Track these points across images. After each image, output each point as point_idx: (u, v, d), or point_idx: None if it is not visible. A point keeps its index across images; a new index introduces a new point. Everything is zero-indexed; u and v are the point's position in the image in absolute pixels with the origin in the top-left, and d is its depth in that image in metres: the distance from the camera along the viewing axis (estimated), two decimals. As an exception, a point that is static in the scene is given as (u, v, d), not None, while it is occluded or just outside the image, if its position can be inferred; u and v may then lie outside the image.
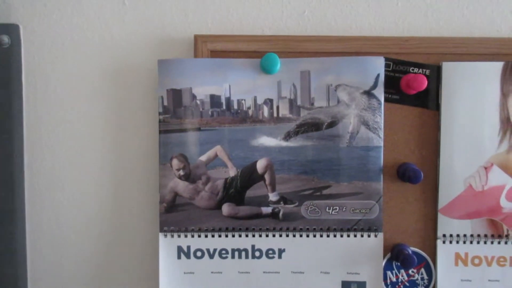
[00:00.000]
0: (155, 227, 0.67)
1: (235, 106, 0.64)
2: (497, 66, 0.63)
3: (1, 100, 0.65)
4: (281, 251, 0.66)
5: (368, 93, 0.64)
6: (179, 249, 0.65)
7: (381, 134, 0.64)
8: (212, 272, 0.66)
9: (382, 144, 0.64)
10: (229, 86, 0.64)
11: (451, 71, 0.63)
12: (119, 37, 0.66)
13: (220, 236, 0.65)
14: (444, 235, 0.65)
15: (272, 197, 0.65)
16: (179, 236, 0.65)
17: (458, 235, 0.65)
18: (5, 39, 0.64)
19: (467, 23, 0.66)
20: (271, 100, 0.64)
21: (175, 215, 0.65)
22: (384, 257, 0.66)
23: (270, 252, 0.66)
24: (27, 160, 0.67)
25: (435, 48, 0.64)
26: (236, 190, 0.65)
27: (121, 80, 0.67)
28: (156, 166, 0.66)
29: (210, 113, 0.64)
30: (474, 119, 0.64)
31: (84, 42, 0.66)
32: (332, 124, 0.64)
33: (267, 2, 0.66)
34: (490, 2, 0.65)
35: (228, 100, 0.64)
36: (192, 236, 0.65)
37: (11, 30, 0.65)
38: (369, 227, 0.65)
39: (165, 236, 0.65)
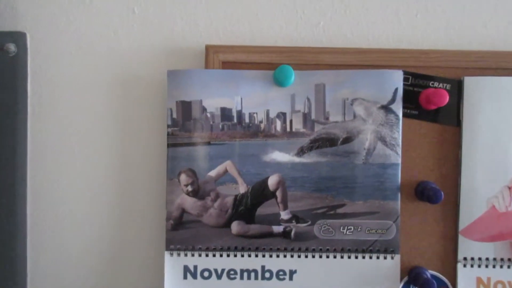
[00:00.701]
0: (161, 245, 0.64)
1: (247, 120, 0.62)
2: (522, 82, 0.60)
3: (6, 108, 0.63)
4: (292, 273, 0.62)
5: (386, 108, 0.61)
6: (186, 268, 0.62)
7: (399, 151, 0.61)
8: (219, 293, 0.63)
9: (399, 161, 0.61)
10: (241, 98, 0.61)
11: (473, 85, 0.61)
12: (128, 47, 0.64)
13: (228, 255, 0.62)
14: (465, 258, 0.62)
15: (284, 215, 0.62)
16: (185, 255, 0.62)
17: (480, 259, 0.62)
18: (12, 47, 0.63)
19: (489, 37, 0.63)
20: (284, 114, 0.62)
21: (182, 232, 0.62)
22: (401, 281, 0.62)
23: (281, 273, 0.62)
24: (30, 170, 0.65)
25: (456, 61, 0.61)
26: (246, 208, 0.62)
27: (129, 91, 0.64)
28: (164, 181, 0.63)
29: (220, 126, 0.62)
30: (498, 136, 0.61)
31: (92, 51, 0.64)
32: (347, 140, 0.62)
33: (281, 12, 0.64)
34: (513, 15, 0.63)
35: (240, 113, 0.62)
36: (200, 255, 0.62)
37: (18, 38, 0.63)
38: (386, 249, 0.62)
39: (171, 254, 0.62)
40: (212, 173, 0.62)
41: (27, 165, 0.64)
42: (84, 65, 0.64)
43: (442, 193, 0.59)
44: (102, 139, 0.65)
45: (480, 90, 0.61)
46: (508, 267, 0.62)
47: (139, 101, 0.65)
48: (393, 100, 0.61)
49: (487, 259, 0.62)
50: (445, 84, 0.62)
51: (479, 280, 0.62)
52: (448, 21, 0.63)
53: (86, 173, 0.65)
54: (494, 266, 0.62)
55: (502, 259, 0.62)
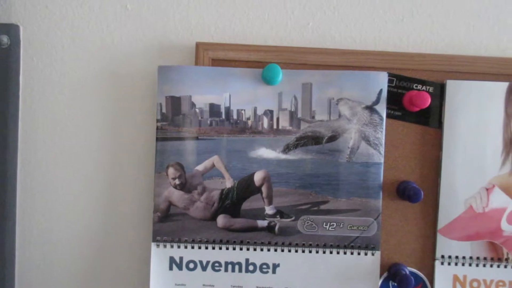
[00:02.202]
0: (147, 237, 0.66)
1: (235, 116, 0.63)
2: (502, 86, 0.62)
3: (-3, 100, 0.64)
4: (275, 266, 0.64)
5: (370, 108, 0.63)
6: (171, 260, 0.64)
7: (382, 150, 0.63)
8: (204, 285, 0.64)
9: (382, 160, 0.63)
10: (229, 95, 0.63)
11: (455, 89, 0.62)
12: (120, 41, 0.65)
13: (213, 248, 0.64)
14: (442, 256, 0.64)
15: (269, 210, 0.64)
16: (171, 246, 0.63)
17: (457, 257, 0.64)
18: (5, 39, 0.63)
19: (473, 42, 0.65)
20: (271, 112, 0.63)
21: (168, 225, 0.63)
22: (380, 277, 0.64)
23: (264, 266, 0.64)
24: (21, 162, 0.66)
25: (439, 65, 0.63)
26: (232, 202, 0.63)
27: (120, 85, 0.66)
28: (152, 174, 0.64)
29: (209, 122, 0.63)
30: (477, 139, 0.63)
31: (84, 45, 0.65)
32: (332, 138, 0.63)
33: (272, 12, 0.65)
34: (497, 21, 0.65)
35: (228, 109, 0.63)
36: (185, 247, 0.64)
37: (11, 30, 0.64)
38: (367, 245, 0.63)
39: (158, 246, 0.63)
40: (200, 167, 0.63)
41: (18, 157, 0.65)
42: (76, 58, 0.65)
43: (422, 192, 0.61)
44: (93, 132, 0.66)
45: (462, 94, 0.62)
46: (484, 265, 0.64)
47: (129, 96, 0.66)
48: (377, 101, 0.63)
49: (463, 257, 0.64)
50: (428, 87, 0.63)
51: (455, 278, 0.64)
52: (433, 26, 0.65)
53: (76, 165, 0.66)
54: (470, 265, 0.64)
55: (478, 258, 0.64)
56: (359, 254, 0.64)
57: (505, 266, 0.64)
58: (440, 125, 0.63)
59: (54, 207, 0.67)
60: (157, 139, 0.63)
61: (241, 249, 0.64)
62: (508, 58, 0.63)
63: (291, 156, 0.63)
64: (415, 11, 0.65)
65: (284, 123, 0.63)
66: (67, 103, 0.66)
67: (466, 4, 0.65)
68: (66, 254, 0.67)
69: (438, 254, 0.64)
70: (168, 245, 0.64)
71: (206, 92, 0.63)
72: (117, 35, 0.65)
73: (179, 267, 0.64)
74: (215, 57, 0.63)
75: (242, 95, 0.63)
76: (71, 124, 0.66)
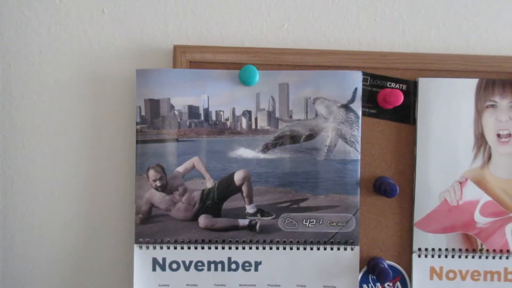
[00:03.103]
0: (130, 238, 0.66)
1: (213, 117, 0.64)
2: (472, 83, 0.64)
3: (-25, 107, 0.64)
4: (257, 264, 0.65)
5: (346, 107, 0.64)
6: (154, 261, 0.64)
7: (358, 147, 0.65)
8: (187, 285, 0.65)
9: (359, 157, 0.65)
10: (208, 97, 0.64)
11: (426, 86, 0.64)
12: (98, 46, 0.66)
13: (196, 248, 0.65)
14: (419, 249, 0.66)
15: (249, 209, 0.65)
16: (154, 247, 0.64)
17: (433, 249, 0.66)
18: (-19, 45, 0.63)
19: (443, 40, 0.67)
20: (249, 112, 0.64)
21: (150, 226, 0.64)
22: (360, 270, 0.66)
23: (247, 264, 0.65)
24: (1, 167, 0.66)
25: (411, 63, 0.65)
26: (213, 202, 0.64)
27: (98, 89, 0.66)
28: (133, 176, 0.65)
29: (188, 124, 0.64)
30: (449, 135, 0.65)
31: (62, 50, 0.66)
32: (310, 137, 0.65)
33: (248, 14, 0.66)
34: (466, 20, 0.67)
35: (207, 111, 0.64)
36: (168, 248, 0.64)
37: (-12, 36, 0.64)
38: (346, 240, 0.65)
39: (140, 247, 0.64)
40: (180, 169, 0.64)
41: (-2, 161, 0.65)
42: (54, 63, 0.66)
43: (398, 187, 0.62)
44: (73, 136, 0.66)
45: (433, 91, 0.64)
46: (459, 257, 0.66)
47: (109, 99, 0.66)
48: (352, 100, 0.64)
49: (439, 249, 0.66)
50: (401, 85, 0.65)
51: (432, 269, 0.66)
52: (404, 25, 0.67)
53: (56, 169, 0.67)
54: (446, 256, 0.66)
55: (453, 250, 0.66)
56: (338, 249, 0.65)
57: (480, 257, 0.66)
58: (414, 121, 0.65)
59: (35, 211, 0.67)
60: (137, 142, 0.63)
61: (223, 248, 0.65)
62: (477, 55, 0.65)
63: (270, 155, 0.65)
64: (387, 12, 0.67)
65: (262, 123, 0.65)
66: (46, 108, 0.66)
67: (435, 4, 0.67)
68: (49, 257, 0.67)
69: (415, 247, 0.66)
70: (150, 246, 0.64)
71: (184, 94, 0.63)
72: (95, 40, 0.66)
73: (162, 268, 0.64)
74: (193, 59, 0.64)
75: (220, 96, 0.64)
76: (51, 128, 0.66)
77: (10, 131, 0.66)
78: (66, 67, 0.66)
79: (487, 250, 0.66)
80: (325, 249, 0.65)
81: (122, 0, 0.65)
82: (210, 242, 0.65)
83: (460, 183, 0.65)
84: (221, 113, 0.64)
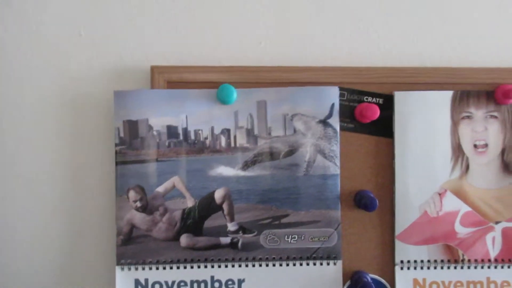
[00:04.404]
0: (112, 260, 0.66)
1: (192, 137, 0.64)
2: (447, 95, 0.65)
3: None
4: (240, 282, 0.65)
5: (324, 122, 0.65)
6: (137, 282, 0.64)
7: (338, 162, 0.65)
8: (171, 305, 0.65)
9: (338, 172, 0.65)
10: (186, 116, 0.64)
11: (402, 100, 0.65)
12: (76, 68, 0.66)
13: (178, 267, 0.64)
14: (402, 261, 0.66)
15: (231, 227, 0.65)
16: (136, 268, 0.64)
17: (415, 261, 0.66)
18: (-42, 70, 0.63)
19: (418, 54, 0.68)
20: (228, 130, 0.65)
21: (132, 247, 0.64)
22: (344, 285, 0.66)
23: (230, 282, 0.65)
24: (-20, 193, 0.66)
25: (387, 77, 0.66)
26: (194, 221, 0.64)
27: (77, 111, 0.66)
28: (113, 197, 0.65)
29: (167, 144, 0.64)
30: (427, 147, 0.65)
31: (40, 72, 0.66)
32: (289, 153, 0.65)
33: (224, 33, 0.67)
34: (440, 33, 0.68)
35: (185, 130, 0.64)
36: (150, 269, 0.64)
37: (-36, 61, 0.64)
38: (328, 255, 0.65)
39: (122, 269, 0.64)
40: (160, 189, 0.64)
41: (-23, 186, 0.65)
42: (32, 86, 0.66)
43: (377, 201, 0.63)
44: (52, 157, 0.66)
45: (409, 104, 0.65)
46: (442, 268, 0.66)
47: (87, 121, 0.66)
48: (330, 115, 0.65)
49: (422, 261, 0.66)
50: (378, 99, 0.66)
51: (415, 281, 0.66)
52: (379, 40, 0.68)
53: (36, 190, 0.66)
54: (428, 268, 0.66)
55: (435, 261, 0.66)
56: (321, 264, 0.65)
57: (462, 267, 0.66)
58: (391, 134, 0.66)
59: (15, 234, 0.66)
60: (117, 163, 0.63)
61: (205, 266, 0.65)
62: (451, 68, 0.66)
63: (250, 172, 0.65)
64: (361, 27, 0.67)
65: (242, 140, 0.65)
66: (26, 130, 0.66)
67: (409, 18, 0.68)
68: (29, 280, 0.67)
69: (397, 260, 0.66)
70: (132, 267, 0.64)
71: (162, 114, 0.64)
72: (73, 61, 0.66)
73: (145, 289, 0.64)
74: (170, 79, 0.64)
75: (198, 115, 0.64)
76: (30, 151, 0.66)
77: (-12, 156, 0.66)
78: (44, 90, 0.66)
79: (469, 260, 0.66)
80: (308, 264, 0.65)
81: (99, 22, 0.66)
82: (192, 261, 0.64)
83: (440, 194, 0.66)
84: (200, 132, 0.64)
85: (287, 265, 0.65)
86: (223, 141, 0.65)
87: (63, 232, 0.67)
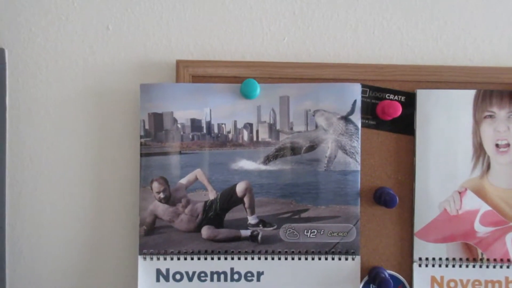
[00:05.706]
0: (134, 250, 0.68)
1: (216, 130, 0.66)
2: (469, 94, 0.65)
3: (-16, 121, 0.65)
4: (259, 274, 0.66)
5: (345, 119, 0.65)
6: (158, 272, 0.65)
7: (358, 158, 0.66)
8: (191, 295, 0.66)
9: (359, 168, 0.66)
10: (210, 110, 0.65)
11: (425, 98, 0.65)
12: (103, 61, 0.67)
13: (199, 259, 0.66)
14: (420, 259, 0.66)
15: (251, 220, 0.66)
16: (158, 259, 0.65)
17: (433, 259, 0.66)
18: (-10, 62, 0.65)
19: (441, 52, 0.68)
20: (250, 125, 0.66)
21: (154, 237, 0.65)
22: (361, 280, 0.67)
23: (249, 275, 0.66)
24: (9, 181, 0.67)
25: (409, 75, 0.66)
26: (215, 213, 0.65)
27: (103, 104, 0.68)
28: (137, 189, 0.66)
29: (190, 137, 0.65)
30: (448, 145, 0.66)
31: (68, 66, 0.67)
32: (310, 149, 0.66)
33: (248, 29, 0.68)
34: (463, 32, 0.68)
35: (209, 124, 0.65)
36: (172, 259, 0.65)
37: (-4, 53, 0.66)
38: (347, 250, 0.66)
39: (144, 258, 0.65)
40: (183, 181, 0.65)
41: (6, 177, 0.67)
42: (60, 79, 0.67)
43: (397, 198, 0.63)
44: (78, 150, 0.68)
45: (431, 102, 0.65)
46: (460, 266, 0.66)
47: (113, 113, 0.68)
48: (352, 111, 0.65)
49: (440, 259, 0.66)
50: (400, 96, 0.66)
51: (433, 279, 0.67)
52: (402, 37, 0.68)
53: (62, 182, 0.68)
54: (447, 266, 0.66)
55: (454, 259, 0.66)
56: (340, 259, 0.66)
57: (480, 266, 0.66)
58: (412, 132, 0.66)
59: (42, 225, 0.68)
60: (141, 155, 0.65)
61: (225, 258, 0.66)
62: (474, 67, 0.66)
63: (271, 166, 0.66)
64: (385, 25, 0.68)
65: (264, 135, 0.66)
66: (53, 123, 0.68)
67: (433, 16, 0.68)
68: (55, 269, 0.69)
69: (415, 257, 0.66)
70: (154, 257, 0.65)
71: (187, 107, 0.65)
72: (100, 55, 0.67)
73: (166, 279, 0.65)
74: (195, 73, 0.65)
75: (222, 109, 0.65)
76: (57, 142, 0.68)
77: (17, 146, 0.68)
78: (72, 83, 0.67)
79: (488, 259, 0.66)
80: (326, 259, 0.66)
81: (126, 17, 0.67)
82: (212, 253, 0.66)
83: (460, 192, 0.66)
84: (223, 126, 0.65)
85: (306, 259, 0.66)
86: (245, 135, 0.66)
87: (88, 221, 0.68)
